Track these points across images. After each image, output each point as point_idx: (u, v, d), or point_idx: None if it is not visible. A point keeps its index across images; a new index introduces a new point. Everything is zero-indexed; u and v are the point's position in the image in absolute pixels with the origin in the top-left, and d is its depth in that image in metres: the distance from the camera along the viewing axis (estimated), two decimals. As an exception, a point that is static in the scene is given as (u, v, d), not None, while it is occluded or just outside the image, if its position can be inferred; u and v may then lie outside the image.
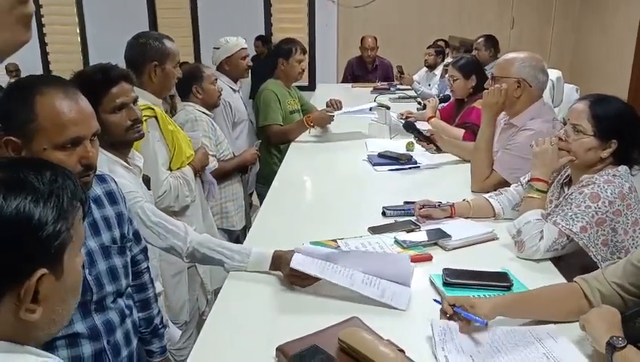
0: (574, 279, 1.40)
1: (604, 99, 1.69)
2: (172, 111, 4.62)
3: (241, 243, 1.93)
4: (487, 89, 2.31)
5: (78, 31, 7.49)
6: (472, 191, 2.28)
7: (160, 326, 1.60)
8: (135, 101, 1.71)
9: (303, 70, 3.49)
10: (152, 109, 2.11)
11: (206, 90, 2.75)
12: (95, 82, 1.61)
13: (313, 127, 3.27)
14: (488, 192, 2.11)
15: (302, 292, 1.50)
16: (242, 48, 3.21)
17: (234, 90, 3.23)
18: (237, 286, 1.57)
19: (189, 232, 1.67)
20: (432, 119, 3.16)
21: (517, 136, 2.21)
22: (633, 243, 1.64)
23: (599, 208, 1.60)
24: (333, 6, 7.22)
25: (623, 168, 1.67)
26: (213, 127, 2.75)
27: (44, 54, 7.59)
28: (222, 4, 7.11)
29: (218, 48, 3.22)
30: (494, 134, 2.31)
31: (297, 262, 1.48)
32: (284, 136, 3.31)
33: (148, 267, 1.59)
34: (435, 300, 1.41)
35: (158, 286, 1.80)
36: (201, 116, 2.69)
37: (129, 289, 1.42)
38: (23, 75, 3.32)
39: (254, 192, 3.32)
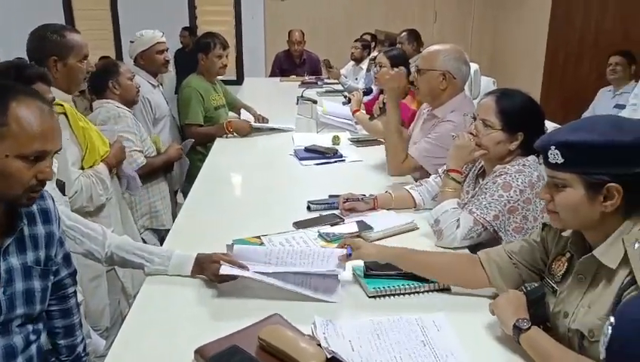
0: (477, 252, 1.49)
1: (509, 94, 1.77)
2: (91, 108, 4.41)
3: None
4: (413, 82, 2.36)
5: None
6: (391, 175, 2.33)
7: (83, 355, 1.52)
8: (51, 102, 1.58)
9: (225, 65, 3.42)
10: (62, 105, 2.00)
11: (123, 86, 2.63)
12: (8, 80, 1.49)
13: (232, 133, 3.23)
14: (406, 176, 2.16)
15: (222, 292, 1.48)
16: (159, 42, 3.07)
17: (153, 86, 3.11)
18: (156, 288, 1.52)
19: (107, 235, 1.60)
20: (357, 112, 3.20)
21: (438, 126, 2.28)
22: (541, 229, 1.73)
23: (511, 197, 1.68)
24: (260, -1, 7.15)
25: (532, 158, 1.76)
26: (136, 123, 2.65)
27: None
28: (143, -3, 6.84)
29: (133, 42, 3.09)
30: (400, 116, 2.36)
31: (225, 269, 1.45)
32: (203, 138, 3.25)
33: (75, 292, 1.51)
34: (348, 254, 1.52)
35: (78, 296, 1.71)
36: (124, 112, 2.59)
37: (43, 313, 1.34)
38: None
39: (179, 191, 3.23)
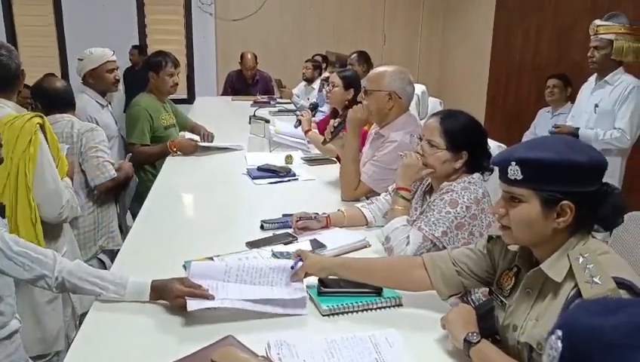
0: (422, 255, 1.54)
1: (452, 115, 1.85)
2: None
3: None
4: (361, 102, 2.42)
5: None
6: (343, 200, 2.37)
7: None
8: None
9: (176, 84, 3.39)
10: (41, 117, 2.00)
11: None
12: None
13: (176, 152, 3.20)
14: (358, 200, 2.21)
15: (172, 315, 1.45)
16: (109, 60, 3.01)
17: (102, 105, 3.04)
18: (103, 311, 1.48)
19: (58, 259, 1.52)
20: (309, 132, 3.24)
21: (382, 147, 2.35)
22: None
23: (458, 213, 1.73)
24: (211, 18, 7.14)
25: (477, 175, 1.83)
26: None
27: None
28: (90, 13, 6.69)
29: (82, 60, 3.01)
30: (359, 146, 2.42)
31: (193, 305, 1.41)
32: (147, 158, 3.21)
33: None
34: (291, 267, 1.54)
35: (15, 324, 1.63)
36: (97, 126, 2.62)
37: None
38: None
39: (128, 212, 3.15)
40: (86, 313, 2.30)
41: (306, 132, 3.24)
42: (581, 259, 1.14)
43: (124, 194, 2.86)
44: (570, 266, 1.15)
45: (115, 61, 3.07)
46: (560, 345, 0.63)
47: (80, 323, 2.25)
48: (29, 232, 1.92)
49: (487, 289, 1.53)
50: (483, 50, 6.29)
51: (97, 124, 2.95)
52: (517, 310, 1.27)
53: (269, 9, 7.16)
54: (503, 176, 1.22)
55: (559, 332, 0.63)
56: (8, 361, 1.59)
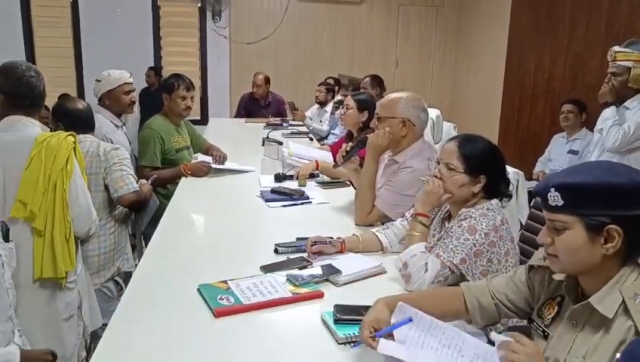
0: (460, 284, 1.50)
1: (471, 139, 1.84)
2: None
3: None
4: (374, 128, 2.41)
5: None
6: (356, 225, 2.35)
7: None
8: None
9: (189, 107, 3.38)
10: (74, 136, 2.05)
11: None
12: None
13: (189, 175, 3.20)
14: (372, 225, 2.19)
15: (190, 339, 1.43)
16: (126, 82, 3.05)
17: (117, 126, 3.07)
18: (121, 330, 1.47)
19: None
20: (320, 165, 3.20)
21: (398, 173, 2.33)
22: (505, 272, 1.76)
23: (476, 240, 1.71)
24: (226, 41, 7.24)
25: (495, 202, 1.81)
26: None
27: None
28: (108, 36, 6.82)
29: (100, 81, 3.05)
30: (377, 172, 2.41)
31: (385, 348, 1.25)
32: (161, 182, 3.20)
33: None
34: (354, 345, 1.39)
35: (10, 349, 1.59)
36: (119, 146, 2.65)
37: None
38: None
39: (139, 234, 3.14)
40: (94, 331, 2.31)
41: (316, 166, 3.21)
42: (638, 299, 1.10)
43: (141, 215, 2.86)
44: (623, 301, 1.12)
45: (131, 83, 3.11)
46: None
47: (88, 341, 2.26)
48: (64, 247, 1.96)
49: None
50: (496, 74, 6.30)
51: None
52: (559, 343, 1.23)
53: (283, 33, 7.26)
54: (545, 204, 1.20)
55: (618, 355, 0.62)
56: None
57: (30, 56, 6.84)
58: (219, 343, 1.43)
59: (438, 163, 1.86)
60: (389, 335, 1.27)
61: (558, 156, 4.53)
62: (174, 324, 1.51)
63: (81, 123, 2.53)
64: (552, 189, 1.16)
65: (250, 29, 7.23)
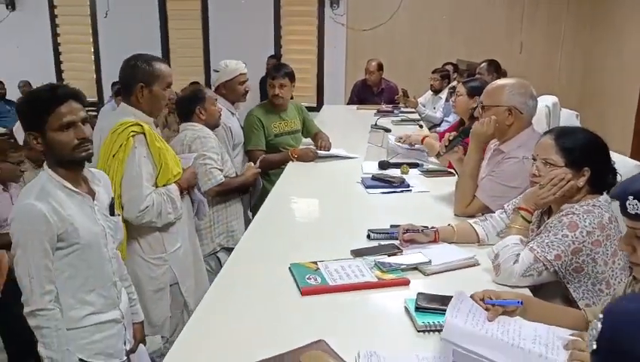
0: (583, 308, 1.45)
1: (568, 131, 1.73)
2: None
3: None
4: (478, 117, 2.33)
5: (92, 50, 7.68)
6: (455, 215, 2.30)
7: None
8: (85, 120, 1.68)
9: (276, 95, 3.43)
10: (141, 126, 2.16)
11: (208, 111, 2.84)
12: (42, 100, 1.62)
13: (296, 160, 3.31)
14: (471, 217, 2.12)
15: (276, 314, 1.52)
16: (241, 73, 3.22)
17: (232, 114, 3.27)
18: (216, 303, 1.60)
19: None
20: (426, 139, 3.18)
21: (502, 163, 2.23)
22: (612, 275, 1.63)
23: (576, 237, 1.60)
24: (343, 28, 7.32)
25: (603, 198, 1.67)
26: (219, 145, 2.82)
27: (59, 72, 7.79)
28: (233, 26, 7.25)
29: (217, 71, 3.26)
30: (481, 161, 2.32)
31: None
32: (270, 165, 3.33)
33: None
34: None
35: (111, 316, 1.78)
36: (209, 133, 2.79)
37: None
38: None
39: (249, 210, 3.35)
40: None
41: (422, 139, 3.19)
42: None
43: (248, 195, 3.04)
44: None
45: (246, 73, 3.28)
46: (599, 325, 0.65)
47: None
48: None
49: None
50: (637, 56, 5.68)
51: (231, 131, 3.18)
52: None
53: (401, 18, 7.17)
54: (624, 211, 1.12)
55: (600, 315, 0.65)
56: (88, 349, 1.72)
57: (165, 47, 7.47)
58: (301, 321, 1.50)
59: (534, 159, 1.76)
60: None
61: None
62: (262, 300, 1.61)
63: (179, 111, 2.72)
64: (631, 197, 1.08)
65: (367, 15, 7.23)
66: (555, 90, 2.26)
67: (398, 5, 7.14)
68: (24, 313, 1.61)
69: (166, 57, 7.47)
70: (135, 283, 2.20)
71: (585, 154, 1.66)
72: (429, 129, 4.92)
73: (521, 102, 2.21)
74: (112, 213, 1.83)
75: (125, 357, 1.83)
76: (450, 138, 2.52)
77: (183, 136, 2.76)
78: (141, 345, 1.96)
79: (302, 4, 7.44)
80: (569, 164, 1.67)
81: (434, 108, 5.70)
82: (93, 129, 1.81)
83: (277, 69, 3.52)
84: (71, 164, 1.68)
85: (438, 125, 5.42)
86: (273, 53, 7.29)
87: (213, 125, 2.87)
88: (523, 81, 2.27)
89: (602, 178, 1.67)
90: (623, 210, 1.12)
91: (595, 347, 0.63)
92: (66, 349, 1.63)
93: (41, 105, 1.61)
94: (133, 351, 1.90)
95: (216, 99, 2.92)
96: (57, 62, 7.75)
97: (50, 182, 1.65)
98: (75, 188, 1.69)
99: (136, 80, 2.21)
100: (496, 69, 4.47)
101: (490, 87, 2.31)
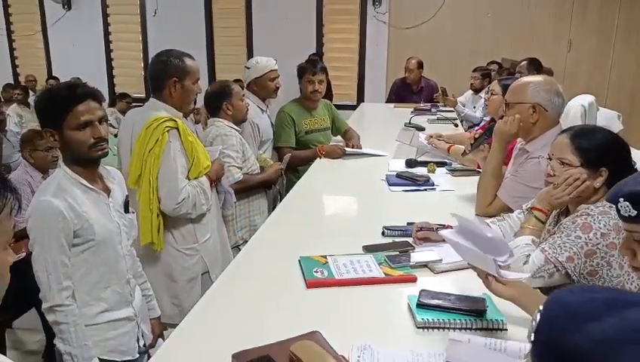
0: None
1: (586, 131, 1.68)
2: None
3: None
4: (502, 117, 2.28)
5: (141, 47, 7.95)
6: (476, 215, 2.25)
7: None
8: (102, 119, 1.69)
9: (315, 90, 3.44)
10: (175, 121, 2.24)
11: (235, 107, 2.88)
12: (61, 98, 1.63)
13: (323, 156, 3.32)
14: (492, 217, 2.08)
15: (280, 305, 1.55)
16: (272, 70, 3.26)
17: (262, 110, 3.30)
18: (223, 290, 1.66)
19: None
20: (452, 148, 3.11)
21: (525, 163, 2.17)
22: (629, 279, 1.56)
23: (590, 239, 1.54)
24: (385, 27, 7.28)
25: (622, 199, 1.61)
26: (241, 142, 2.87)
27: (110, 68, 8.11)
28: (276, 24, 7.34)
29: (249, 68, 3.31)
30: (503, 161, 2.27)
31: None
32: (299, 161, 3.35)
33: None
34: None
35: (124, 313, 1.81)
36: (231, 131, 2.83)
37: None
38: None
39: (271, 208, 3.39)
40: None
41: (448, 148, 3.14)
42: None
43: (271, 192, 3.08)
44: None
45: (276, 70, 3.30)
46: (538, 316, 0.65)
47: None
48: (145, 219, 2.19)
49: None
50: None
51: (258, 128, 3.23)
52: None
53: (444, 16, 7.06)
54: (618, 214, 1.09)
55: (540, 306, 0.65)
56: (102, 346, 1.73)
57: (210, 45, 7.65)
58: (302, 312, 1.52)
59: (550, 159, 1.71)
60: None
61: None
62: (268, 291, 1.65)
63: (207, 107, 2.78)
64: (621, 199, 1.05)
65: (410, 13, 7.16)
66: (605, 90, 2.18)
67: (442, 3, 7.04)
68: (42, 309, 1.64)
69: (211, 55, 7.65)
70: (169, 273, 2.30)
71: (602, 155, 1.61)
72: (468, 128, 4.83)
73: (545, 99, 2.15)
74: (126, 211, 1.86)
75: (138, 355, 1.85)
76: (476, 136, 2.48)
77: (208, 131, 2.84)
78: (160, 339, 1.99)
79: (344, 2, 7.45)
80: (585, 164, 1.61)
81: (474, 107, 5.59)
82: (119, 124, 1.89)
83: (314, 65, 3.53)
84: (87, 162, 1.70)
85: (478, 125, 5.30)
86: (315, 51, 7.33)
87: (240, 120, 2.93)
88: (549, 78, 2.22)
89: (621, 179, 1.61)
90: (618, 213, 1.09)
91: (532, 338, 0.63)
92: (84, 344, 1.66)
93: (60, 103, 1.63)
94: (152, 345, 1.94)
95: (243, 95, 2.97)
96: (108, 60, 8.07)
97: (66, 179, 1.67)
98: (90, 186, 1.71)
99: (168, 75, 2.28)
100: (536, 68, 4.34)
101: (514, 84, 2.26)
